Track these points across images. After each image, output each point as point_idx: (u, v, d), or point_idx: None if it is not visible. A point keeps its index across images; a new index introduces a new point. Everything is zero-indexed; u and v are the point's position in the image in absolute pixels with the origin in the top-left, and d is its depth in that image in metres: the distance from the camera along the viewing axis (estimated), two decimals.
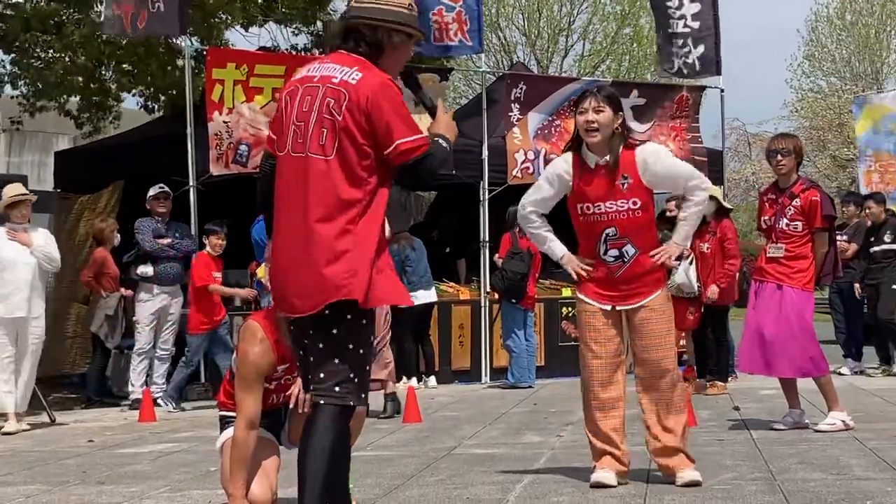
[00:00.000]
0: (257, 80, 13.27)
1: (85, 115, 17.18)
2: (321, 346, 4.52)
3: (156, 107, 17.00)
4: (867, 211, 14.25)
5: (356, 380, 4.53)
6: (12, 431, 10.11)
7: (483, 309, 14.64)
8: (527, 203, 6.63)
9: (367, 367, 4.61)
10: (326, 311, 4.46)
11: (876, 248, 13.98)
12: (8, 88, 17.13)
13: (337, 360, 4.50)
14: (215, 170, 13.10)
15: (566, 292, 14.76)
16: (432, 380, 13.85)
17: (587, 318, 6.43)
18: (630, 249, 6.35)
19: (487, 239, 14.64)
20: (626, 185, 6.30)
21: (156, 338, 12.38)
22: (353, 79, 4.55)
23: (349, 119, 4.50)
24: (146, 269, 12.25)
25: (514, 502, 5.92)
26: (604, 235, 6.36)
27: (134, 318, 12.36)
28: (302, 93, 4.62)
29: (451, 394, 13.00)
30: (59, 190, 16.09)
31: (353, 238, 4.48)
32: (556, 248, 6.59)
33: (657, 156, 6.39)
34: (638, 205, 6.33)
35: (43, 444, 9.26)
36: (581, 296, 6.51)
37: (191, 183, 13.15)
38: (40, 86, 16.04)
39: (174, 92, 15.62)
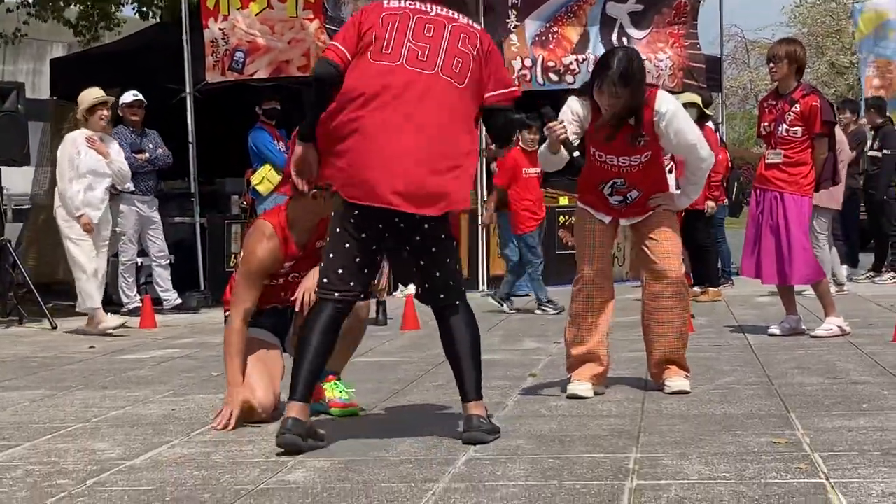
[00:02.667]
0: None
1: (84, 23, 17.04)
2: (434, 249, 5.19)
3: (151, 13, 16.86)
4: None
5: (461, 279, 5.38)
6: (114, 326, 10.47)
7: (479, 217, 14.64)
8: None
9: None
10: (442, 217, 5.09)
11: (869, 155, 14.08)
12: None
13: (450, 261, 5.24)
14: (211, 77, 13.04)
15: (563, 201, 14.78)
16: (410, 287, 13.89)
17: (585, 227, 6.40)
18: (634, 193, 6.30)
19: (484, 146, 14.59)
20: (642, 142, 6.21)
21: (145, 248, 12.42)
22: (475, 26, 5.19)
23: (482, 59, 5.09)
24: (127, 184, 12.22)
25: (512, 406, 5.99)
26: (612, 182, 6.28)
27: (118, 231, 12.35)
28: (417, 20, 5.08)
29: None
30: (54, 98, 16.00)
31: (473, 160, 5.21)
32: (544, 146, 6.26)
33: (670, 121, 6.20)
34: (650, 157, 6.27)
35: (45, 351, 9.33)
36: (581, 203, 6.46)
37: (187, 90, 13.09)
38: None
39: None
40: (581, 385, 6.24)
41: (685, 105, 11.81)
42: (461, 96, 5.05)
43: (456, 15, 5.17)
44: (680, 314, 6.40)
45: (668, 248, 6.32)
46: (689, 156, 6.38)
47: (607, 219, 6.36)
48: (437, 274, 5.22)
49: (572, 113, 6.22)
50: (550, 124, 6.04)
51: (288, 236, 5.68)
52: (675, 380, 6.34)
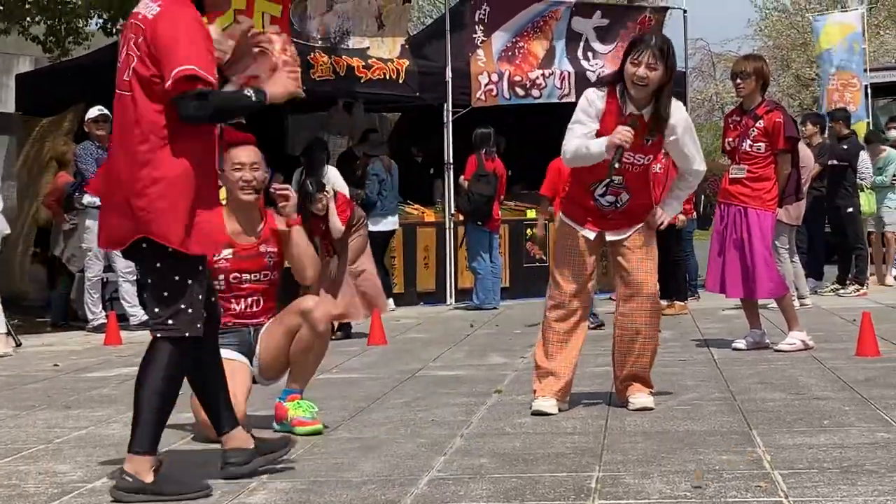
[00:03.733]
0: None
1: (51, 38, 16.98)
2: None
3: (115, 29, 16.80)
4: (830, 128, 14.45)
5: None
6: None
7: (448, 231, 14.67)
8: (570, 139, 6.25)
9: None
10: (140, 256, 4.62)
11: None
12: None
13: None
14: None
15: (531, 214, 14.82)
16: (390, 302, 13.91)
17: (567, 243, 6.38)
18: (625, 196, 6.30)
19: (451, 161, 14.64)
20: (649, 142, 6.24)
21: (111, 263, 12.35)
22: (151, 13, 4.54)
23: (146, 51, 4.48)
24: (93, 199, 12.14)
25: (477, 424, 5.99)
26: (608, 181, 6.24)
27: (84, 247, 12.29)
28: (125, 31, 4.66)
29: (416, 315, 13.06)
30: (20, 112, 15.93)
31: (153, 176, 4.46)
32: (595, 144, 6.17)
33: (685, 129, 6.30)
34: (650, 160, 6.32)
35: (8, 369, 9.27)
36: (565, 218, 6.43)
37: None
38: (2, 7, 15.82)
39: None
40: (546, 401, 6.25)
41: None
42: (127, 106, 4.51)
43: (147, 4, 4.57)
44: (652, 331, 6.43)
45: (645, 264, 6.36)
46: (687, 166, 6.43)
47: (592, 234, 6.34)
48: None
49: (594, 110, 6.22)
50: (625, 131, 6.01)
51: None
52: (639, 396, 6.36)
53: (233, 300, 5.97)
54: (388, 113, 18.51)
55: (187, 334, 4.56)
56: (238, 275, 5.95)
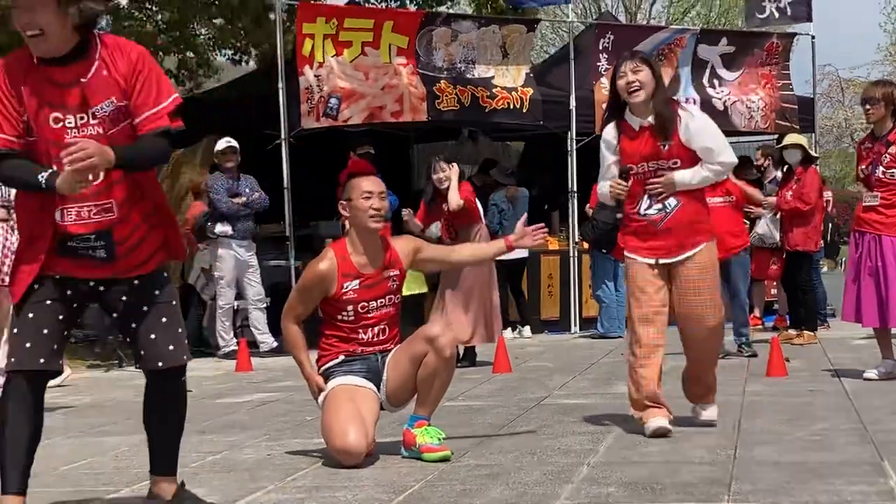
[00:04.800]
0: (346, 34, 13.39)
1: (183, 72, 17.43)
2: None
3: (246, 60, 17.19)
4: None
5: None
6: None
7: (572, 259, 14.69)
8: (603, 183, 6.71)
9: None
10: None
11: None
12: None
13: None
14: (306, 123, 13.26)
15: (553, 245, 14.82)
16: (527, 330, 13.98)
17: (632, 272, 6.56)
18: (672, 201, 6.48)
19: (576, 189, 14.66)
20: (666, 147, 6.45)
21: (242, 291, 12.60)
22: None
23: None
24: (224, 229, 12.46)
25: (604, 453, 6.00)
26: (647, 192, 6.50)
27: (216, 275, 12.57)
28: None
29: (541, 344, 13.09)
30: None
31: None
32: (603, 186, 6.69)
33: (698, 127, 6.50)
34: (679, 164, 6.47)
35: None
36: (625, 251, 6.65)
37: (282, 136, 13.31)
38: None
39: (266, 46, 15.79)
40: (659, 420, 6.39)
41: (788, 146, 11.80)
42: None
43: None
44: (715, 354, 6.76)
45: (706, 296, 6.50)
46: (712, 159, 6.52)
47: (651, 261, 6.51)
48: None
49: (610, 146, 6.60)
50: (616, 185, 6.50)
51: (346, 255, 6.05)
52: (709, 409, 6.73)
53: (360, 330, 6.06)
54: (511, 142, 18.61)
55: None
56: (365, 304, 6.04)
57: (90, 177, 4.28)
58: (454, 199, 10.34)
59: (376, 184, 6.11)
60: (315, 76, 13.20)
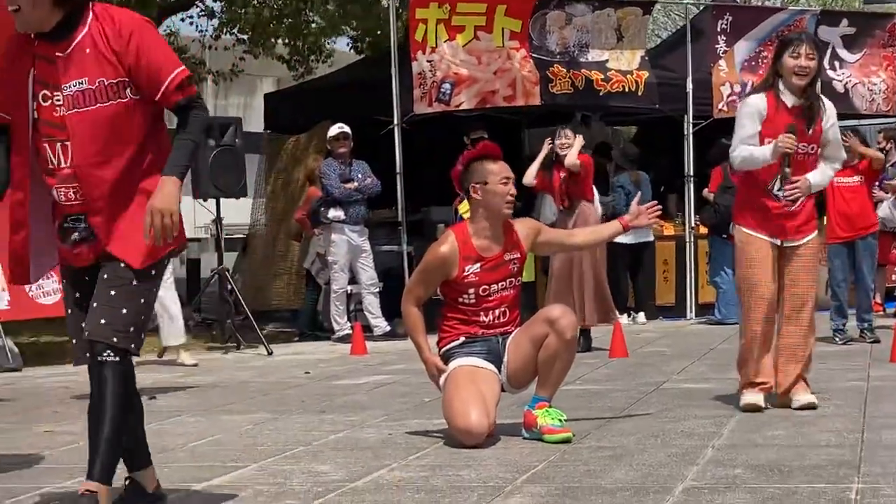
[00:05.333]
0: (459, 19, 13.38)
1: (296, 58, 17.59)
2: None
3: (363, 46, 17.30)
4: None
5: None
6: (189, 363, 10.50)
7: (688, 244, 14.55)
8: (737, 145, 6.68)
9: None
10: None
11: None
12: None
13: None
14: (418, 108, 13.29)
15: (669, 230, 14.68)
16: (641, 316, 13.89)
17: (750, 251, 6.66)
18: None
19: (692, 173, 14.52)
20: (811, 132, 6.57)
21: (355, 276, 12.69)
22: None
23: None
24: (338, 213, 12.54)
25: (728, 435, 5.94)
26: (781, 174, 6.56)
27: (330, 260, 12.67)
28: None
29: (656, 330, 13.00)
30: (268, 131, 16.50)
31: None
32: (760, 150, 6.59)
33: (834, 121, 6.72)
34: (815, 150, 6.64)
35: (262, 376, 9.63)
36: (744, 228, 6.71)
37: (395, 122, 13.36)
38: (250, 33, 16.50)
39: (379, 32, 15.87)
40: (755, 395, 6.67)
41: None
42: None
43: None
44: (811, 338, 6.80)
45: (814, 276, 6.77)
46: (838, 154, 6.79)
47: (775, 240, 6.64)
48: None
49: (757, 114, 6.61)
50: (786, 139, 6.41)
51: (467, 239, 6.04)
52: (803, 395, 6.68)
53: (481, 313, 6.07)
54: (622, 126, 18.48)
55: None
56: (486, 287, 6.03)
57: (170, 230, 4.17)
58: (571, 162, 10.41)
59: (509, 169, 6.12)
60: (428, 61, 13.21)
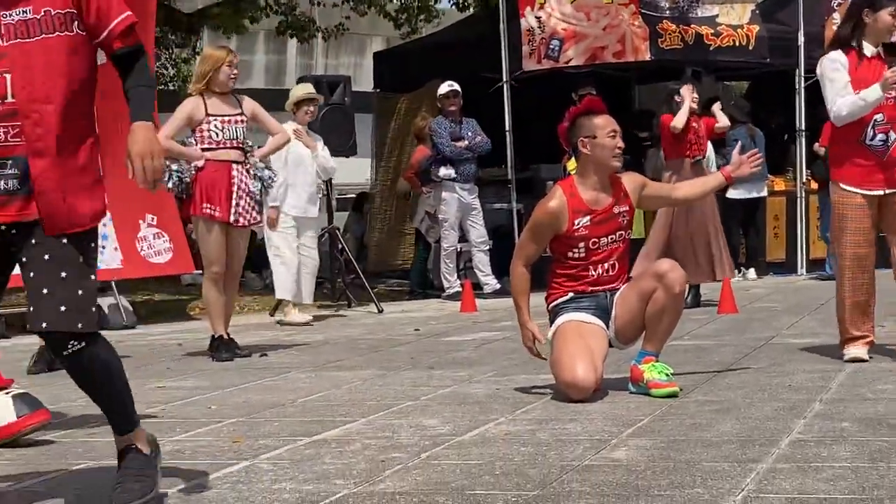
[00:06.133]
0: None
1: (403, 15, 17.66)
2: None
3: (468, 4, 17.30)
4: None
5: None
6: (299, 322, 10.64)
7: (799, 199, 14.38)
8: (835, 99, 6.60)
9: None
10: None
11: None
12: None
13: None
14: (527, 65, 13.30)
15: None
16: (751, 272, 13.78)
17: (848, 207, 6.65)
18: (893, 134, 6.56)
19: (804, 128, 14.32)
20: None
21: (465, 233, 12.77)
22: None
23: None
24: (448, 172, 12.61)
25: (836, 390, 5.90)
26: (872, 121, 6.52)
27: (440, 218, 12.75)
28: None
29: (766, 285, 12.89)
30: (377, 90, 16.61)
31: None
32: (868, 93, 6.51)
33: None
34: None
35: (373, 333, 9.76)
36: (841, 184, 6.66)
37: (504, 79, 13.37)
38: None
39: None
40: (857, 349, 6.72)
41: None
42: None
43: None
44: None
45: None
46: None
47: (877, 192, 6.61)
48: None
49: (841, 65, 6.57)
50: (889, 73, 6.39)
51: (575, 192, 6.05)
52: None
53: (590, 267, 6.09)
54: (733, 81, 18.26)
55: None
56: (596, 240, 6.06)
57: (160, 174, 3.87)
58: (679, 119, 10.36)
59: (615, 123, 6.13)
60: (536, 17, 13.20)
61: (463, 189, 12.69)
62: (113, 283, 10.91)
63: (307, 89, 11.13)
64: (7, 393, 5.25)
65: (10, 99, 3.76)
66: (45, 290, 3.75)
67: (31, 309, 3.76)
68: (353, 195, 18.95)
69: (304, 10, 18.97)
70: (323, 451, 4.83)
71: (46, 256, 3.78)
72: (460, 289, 12.06)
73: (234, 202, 8.28)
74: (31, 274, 3.78)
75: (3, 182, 3.77)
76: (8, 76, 3.76)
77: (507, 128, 13.39)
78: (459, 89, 12.77)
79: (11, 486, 4.39)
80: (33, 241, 3.79)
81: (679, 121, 10.57)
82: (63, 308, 3.73)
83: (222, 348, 8.28)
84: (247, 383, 7.00)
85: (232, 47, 9.15)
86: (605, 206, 6.06)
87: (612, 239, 6.07)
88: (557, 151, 12.87)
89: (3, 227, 3.81)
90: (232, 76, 8.40)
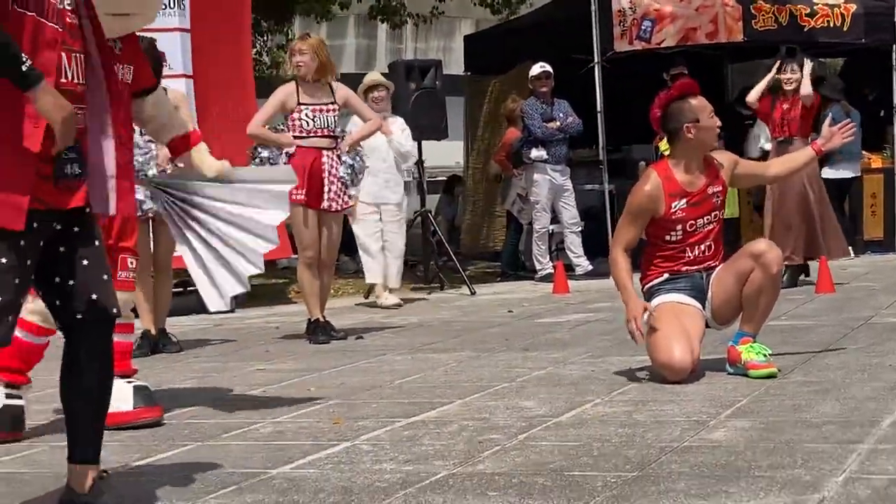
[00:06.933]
0: None
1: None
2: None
3: None
4: None
5: None
6: (389, 305, 10.70)
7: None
8: None
9: None
10: None
11: None
12: None
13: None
14: (619, 46, 13.23)
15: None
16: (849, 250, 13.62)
17: None
18: None
19: None
20: None
21: (557, 215, 12.75)
22: None
23: None
24: (540, 153, 12.60)
25: None
26: None
27: (532, 199, 12.75)
28: None
29: (864, 264, 12.72)
30: (468, 73, 16.63)
31: None
32: None
33: None
34: None
35: (466, 315, 9.80)
36: None
37: (595, 60, 13.31)
38: None
39: None
40: None
41: None
42: None
43: None
44: None
45: None
46: None
47: None
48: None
49: None
50: None
51: (670, 175, 6.01)
52: None
53: (687, 248, 6.07)
54: (828, 59, 18.00)
55: None
56: (693, 222, 6.03)
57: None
58: (806, 87, 10.46)
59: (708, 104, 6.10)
60: None
61: (554, 170, 12.67)
62: None
63: (374, 76, 11.15)
64: (129, 382, 5.38)
65: (81, 82, 3.70)
66: (105, 276, 3.76)
67: (95, 296, 3.70)
68: (444, 178, 19.00)
69: None
70: (421, 433, 4.88)
71: (97, 243, 3.78)
72: (552, 270, 12.06)
73: (325, 188, 8.36)
74: (86, 262, 3.72)
75: (72, 167, 3.66)
76: (81, 56, 3.70)
77: (598, 108, 13.33)
78: (551, 70, 12.75)
79: (122, 466, 4.49)
80: (76, 228, 3.72)
81: (751, 96, 10.53)
82: (109, 290, 3.77)
83: (319, 331, 8.37)
84: (343, 365, 7.08)
85: (322, 33, 9.21)
86: (700, 187, 6.03)
87: (707, 220, 6.05)
88: (649, 131, 12.83)
89: (62, 215, 3.68)
90: (299, 64, 8.43)
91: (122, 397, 5.18)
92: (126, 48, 5.00)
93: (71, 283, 3.70)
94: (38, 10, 3.56)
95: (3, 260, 3.50)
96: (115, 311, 3.76)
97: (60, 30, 3.62)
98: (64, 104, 3.51)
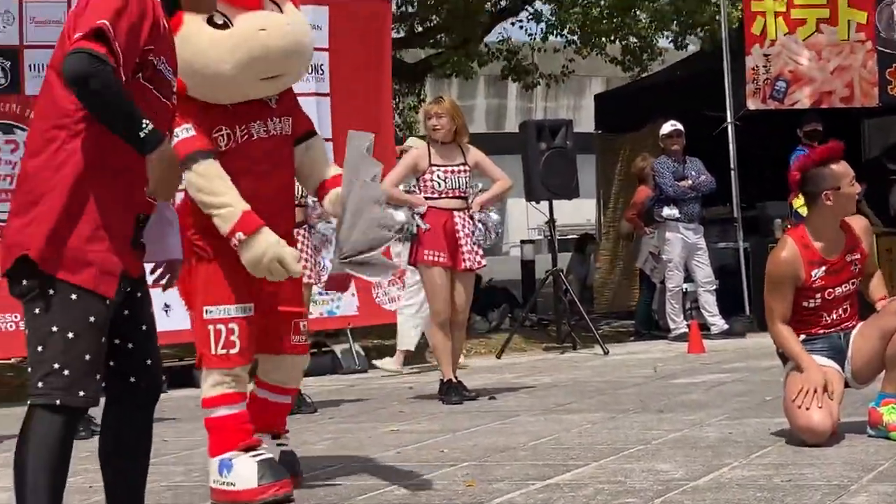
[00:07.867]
0: (799, 12, 13.10)
1: (628, 58, 17.66)
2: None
3: (688, 43, 17.20)
4: None
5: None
6: (389, 369, 10.67)
7: None
8: None
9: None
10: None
11: None
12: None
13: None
14: (752, 104, 13.10)
15: None
16: None
17: None
18: None
19: None
20: None
21: (691, 273, 12.62)
22: None
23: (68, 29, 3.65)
24: (672, 212, 12.49)
25: None
26: None
27: (665, 258, 12.65)
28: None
29: None
30: (599, 131, 16.63)
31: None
32: None
33: None
34: None
35: (599, 375, 9.72)
36: None
37: (728, 119, 13.21)
38: (579, 32, 16.66)
39: (706, 28, 15.73)
40: None
41: None
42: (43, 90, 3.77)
43: None
44: None
45: None
46: None
47: None
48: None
49: None
50: None
51: (808, 244, 5.85)
52: None
53: (824, 313, 5.95)
54: None
55: (58, 402, 3.53)
56: (832, 290, 5.90)
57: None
58: None
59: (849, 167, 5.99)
60: (764, 55, 13.00)
61: (687, 229, 12.56)
62: (348, 330, 11.23)
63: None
64: (255, 456, 5.02)
65: None
66: (156, 345, 3.88)
67: (150, 362, 3.81)
68: (576, 237, 18.98)
69: (525, 54, 19.14)
70: (556, 496, 4.84)
71: (152, 310, 3.89)
72: (686, 330, 11.92)
73: (461, 248, 8.40)
74: (144, 328, 3.83)
75: (140, 235, 3.77)
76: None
77: (731, 166, 13.21)
78: (682, 129, 12.68)
79: None
80: (139, 294, 3.81)
81: None
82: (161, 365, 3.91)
83: (451, 392, 8.38)
84: (477, 426, 7.07)
85: (453, 93, 9.29)
86: (839, 255, 5.91)
87: (846, 287, 5.92)
88: (783, 188, 12.67)
89: (132, 279, 3.74)
90: (436, 127, 8.50)
91: (245, 475, 4.96)
92: (282, 99, 5.13)
93: (130, 345, 3.78)
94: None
95: (92, 319, 3.58)
96: (164, 382, 3.88)
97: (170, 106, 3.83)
98: (174, 162, 3.63)
